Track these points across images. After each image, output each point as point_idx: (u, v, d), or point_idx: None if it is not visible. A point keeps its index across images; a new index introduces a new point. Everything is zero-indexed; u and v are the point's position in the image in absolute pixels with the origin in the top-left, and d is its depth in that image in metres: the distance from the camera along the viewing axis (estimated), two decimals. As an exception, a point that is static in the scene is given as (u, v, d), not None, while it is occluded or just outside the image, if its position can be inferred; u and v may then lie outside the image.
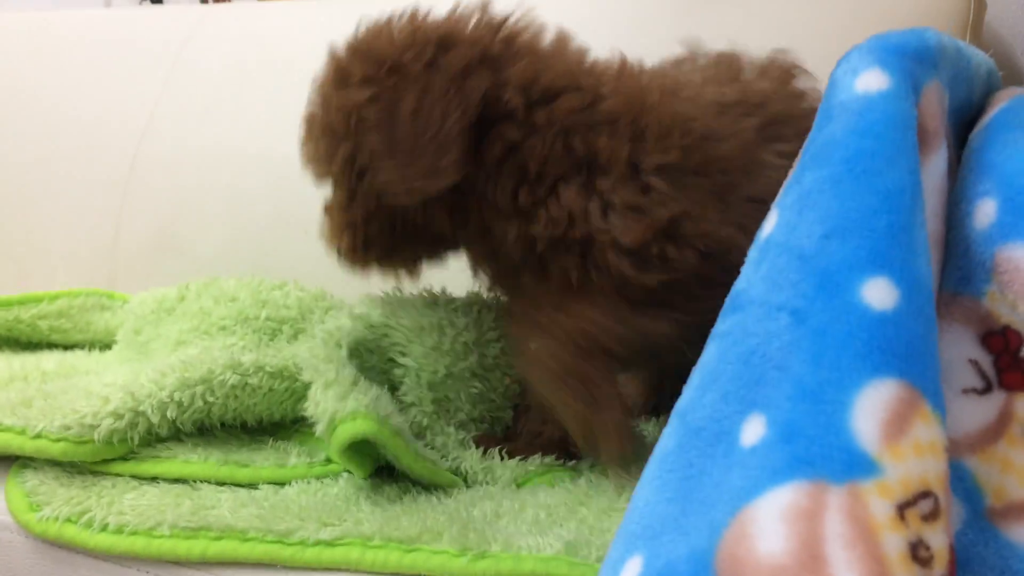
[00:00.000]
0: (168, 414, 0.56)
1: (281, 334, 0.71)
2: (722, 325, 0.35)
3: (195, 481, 0.54)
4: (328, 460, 0.57)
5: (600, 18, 1.01)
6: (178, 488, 0.53)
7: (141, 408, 0.55)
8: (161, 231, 1.16)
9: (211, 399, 0.57)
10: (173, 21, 1.29)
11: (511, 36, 0.57)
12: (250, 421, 0.60)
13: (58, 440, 0.54)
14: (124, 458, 0.55)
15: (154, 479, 0.55)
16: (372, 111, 0.54)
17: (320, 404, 0.51)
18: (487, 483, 0.56)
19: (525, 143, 0.54)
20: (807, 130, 0.43)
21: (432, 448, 0.58)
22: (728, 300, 0.36)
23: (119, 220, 1.19)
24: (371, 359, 0.58)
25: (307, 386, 0.58)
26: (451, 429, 0.58)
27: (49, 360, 0.73)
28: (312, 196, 1.05)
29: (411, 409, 0.58)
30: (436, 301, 0.62)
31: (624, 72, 0.59)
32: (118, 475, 0.55)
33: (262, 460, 0.56)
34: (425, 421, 0.58)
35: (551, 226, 0.54)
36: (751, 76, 0.61)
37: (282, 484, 0.55)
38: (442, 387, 0.59)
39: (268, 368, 0.58)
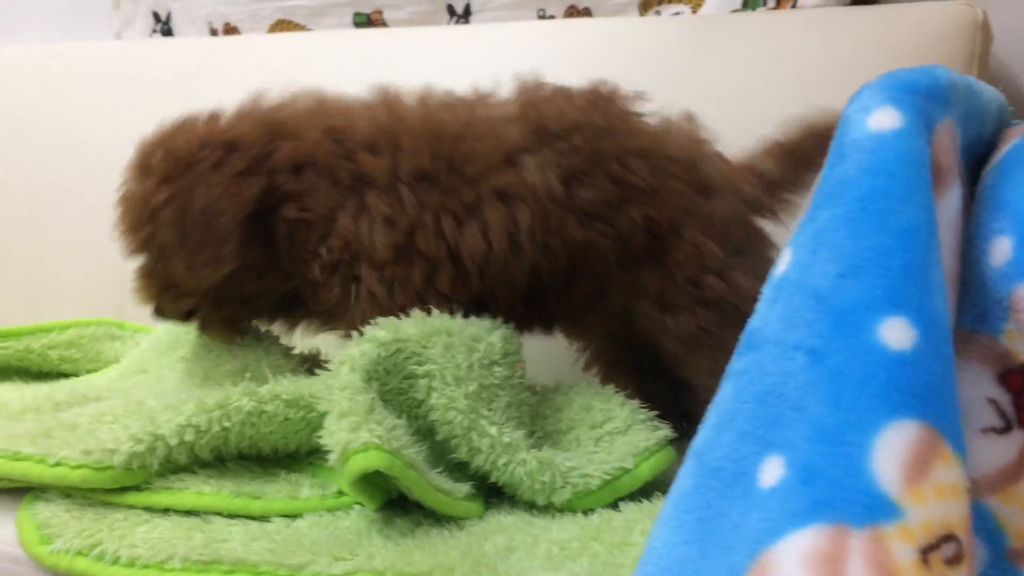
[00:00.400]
0: (186, 438, 0.56)
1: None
2: (737, 363, 0.35)
3: (207, 513, 0.54)
4: (341, 492, 0.57)
5: (612, 50, 1.02)
6: (190, 521, 0.53)
7: (160, 431, 0.55)
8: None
9: (227, 424, 0.57)
10: (183, 53, 1.31)
11: (280, 129, 0.68)
12: (265, 450, 0.60)
13: (78, 467, 0.54)
14: (137, 488, 0.55)
15: (166, 511, 0.55)
16: (167, 207, 0.64)
17: (334, 434, 0.51)
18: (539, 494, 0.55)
19: (304, 212, 0.65)
20: (594, 146, 0.62)
21: (478, 451, 0.57)
22: (743, 338, 0.36)
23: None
24: (391, 380, 0.58)
25: (322, 416, 0.58)
26: (493, 429, 0.57)
27: (60, 391, 0.73)
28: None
29: (447, 412, 0.57)
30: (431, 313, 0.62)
31: (387, 100, 0.71)
32: (130, 507, 0.55)
33: (274, 492, 0.56)
34: (464, 421, 0.57)
35: (330, 253, 0.65)
36: (550, 97, 0.70)
37: (294, 516, 0.55)
38: (469, 379, 0.58)
39: (284, 396, 0.58)
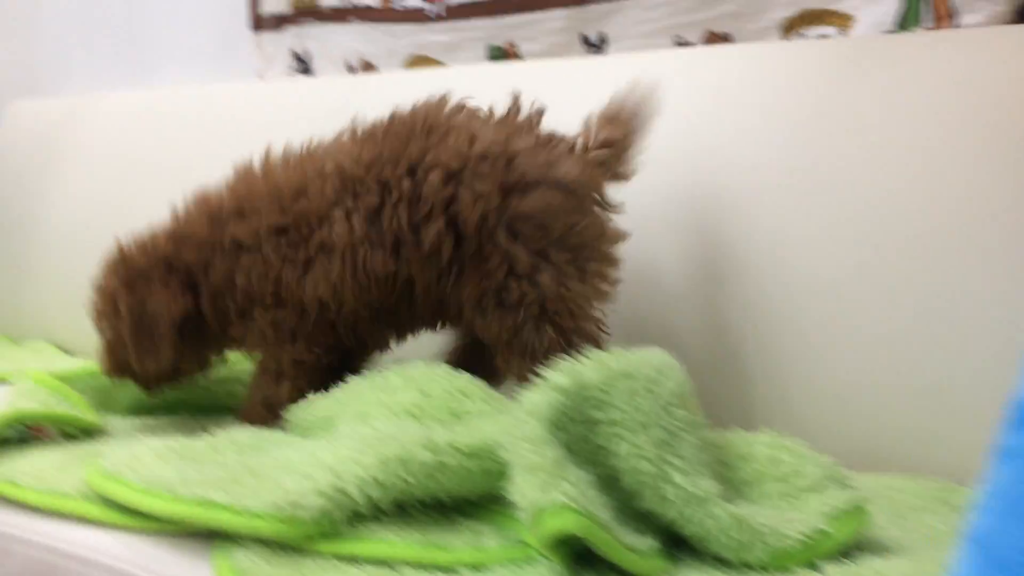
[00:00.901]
0: (370, 493, 0.57)
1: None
2: (1013, 440, 0.33)
3: (395, 563, 0.55)
4: (523, 543, 0.57)
5: (755, 78, 1.00)
6: (380, 571, 0.54)
7: (345, 487, 0.56)
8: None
9: (410, 479, 0.58)
10: (325, 92, 1.35)
11: (185, 237, 0.84)
12: (444, 499, 0.60)
13: (268, 519, 0.56)
14: (327, 536, 0.56)
15: (354, 559, 0.56)
16: (126, 308, 0.82)
17: (523, 492, 0.51)
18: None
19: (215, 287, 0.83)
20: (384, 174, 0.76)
21: (667, 502, 0.55)
22: (1018, 412, 0.33)
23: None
24: (573, 428, 0.58)
25: (502, 464, 0.59)
26: (683, 479, 0.56)
27: (239, 431, 0.76)
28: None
29: (633, 460, 0.56)
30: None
31: (239, 169, 0.88)
32: (323, 555, 0.56)
33: (459, 542, 0.56)
34: (652, 469, 0.56)
35: (236, 304, 0.84)
36: (356, 140, 0.83)
37: (480, 567, 0.55)
38: (654, 425, 0.57)
39: (463, 448, 0.59)
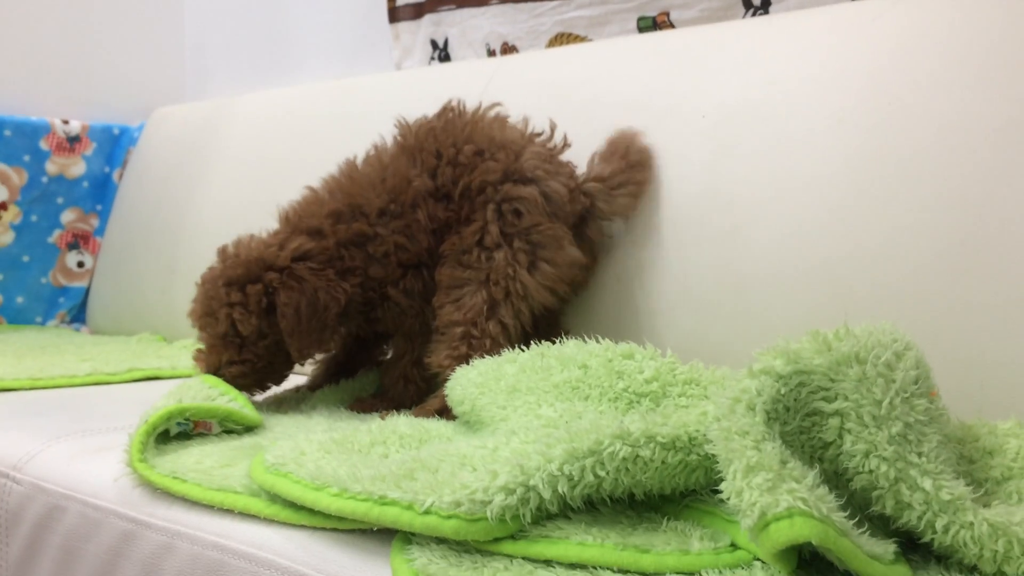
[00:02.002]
0: (559, 489, 0.51)
1: (638, 407, 0.65)
2: None
3: (592, 566, 0.49)
4: (734, 545, 0.50)
5: (959, 27, 0.89)
6: (579, 574, 0.48)
7: (531, 483, 0.51)
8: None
9: (601, 473, 0.51)
10: (466, 77, 1.30)
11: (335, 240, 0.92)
12: (638, 495, 0.54)
13: (449, 517, 0.51)
14: (513, 537, 0.51)
15: (547, 562, 0.50)
16: (288, 303, 0.87)
17: (744, 495, 0.44)
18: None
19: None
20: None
21: (908, 507, 0.48)
22: None
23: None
24: (791, 419, 0.50)
25: (702, 459, 0.52)
26: (927, 482, 0.48)
27: (402, 421, 0.72)
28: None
29: (867, 460, 0.49)
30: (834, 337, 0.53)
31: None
32: (509, 556, 0.50)
33: (662, 544, 0.49)
34: (890, 471, 0.48)
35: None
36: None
37: (688, 573, 0.48)
38: (891, 418, 0.49)
39: (660, 439, 0.52)
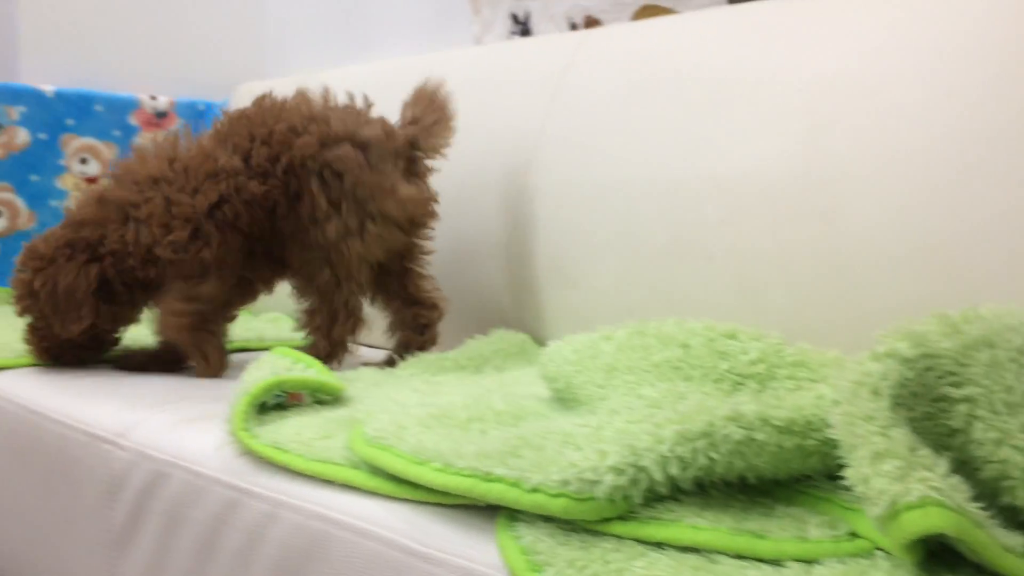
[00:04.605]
0: (670, 470, 0.50)
1: (743, 389, 0.64)
2: None
3: (707, 551, 0.48)
4: (853, 534, 0.48)
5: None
6: (693, 559, 0.47)
7: (642, 463, 0.50)
8: (552, 262, 1.15)
9: (714, 456, 0.50)
10: (549, 51, 1.29)
11: (93, 223, 1.04)
12: (750, 479, 0.53)
13: (556, 496, 0.50)
14: (622, 518, 0.50)
15: (658, 544, 0.49)
16: (40, 289, 1.01)
17: (871, 482, 0.43)
18: None
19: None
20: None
21: None
22: None
23: (508, 252, 1.20)
24: (917, 405, 0.48)
25: (819, 444, 0.50)
26: None
27: (496, 397, 0.72)
28: (713, 222, 0.99)
29: (998, 449, 0.47)
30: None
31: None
32: (619, 537, 0.50)
33: (779, 530, 0.48)
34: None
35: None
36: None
37: (806, 561, 0.47)
38: None
39: (775, 422, 0.51)
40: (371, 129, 1.03)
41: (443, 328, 1.28)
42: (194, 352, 1.05)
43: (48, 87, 1.60)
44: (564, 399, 0.73)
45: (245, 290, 1.10)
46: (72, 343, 1.06)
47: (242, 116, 1.05)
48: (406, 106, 1.10)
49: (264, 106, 1.06)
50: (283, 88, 1.76)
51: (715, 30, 1.12)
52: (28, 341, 1.07)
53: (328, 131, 1.02)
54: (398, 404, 0.81)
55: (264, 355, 0.87)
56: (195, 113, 1.80)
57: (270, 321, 1.46)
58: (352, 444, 0.64)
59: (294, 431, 0.71)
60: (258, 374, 0.79)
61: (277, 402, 0.79)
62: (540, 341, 1.14)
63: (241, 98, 1.82)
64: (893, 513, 0.42)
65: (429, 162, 1.09)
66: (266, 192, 1.02)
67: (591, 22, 1.36)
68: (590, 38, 1.25)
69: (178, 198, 1.00)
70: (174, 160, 1.03)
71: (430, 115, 1.08)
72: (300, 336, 1.16)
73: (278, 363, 0.85)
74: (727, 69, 1.06)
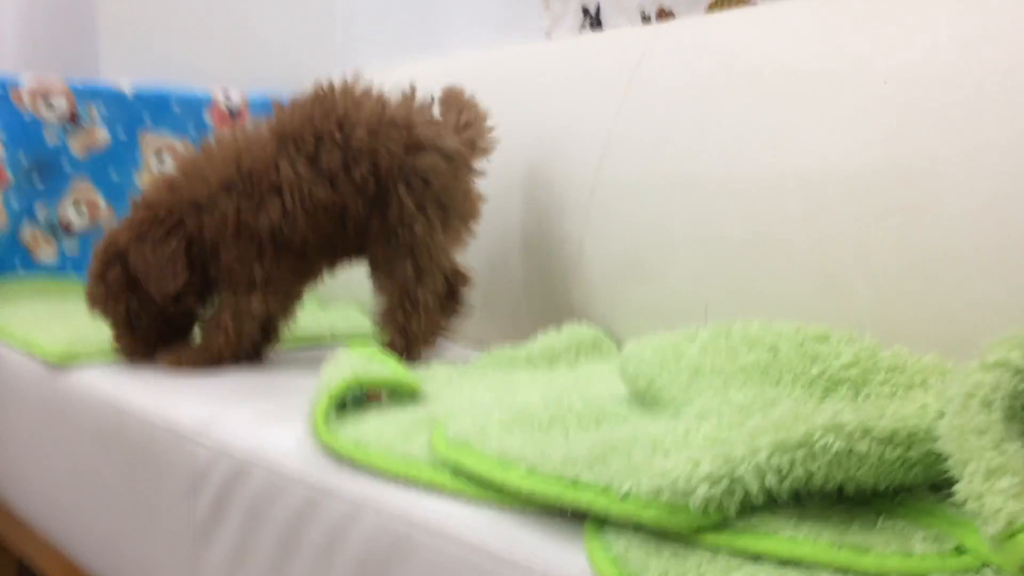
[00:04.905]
0: (766, 481, 0.49)
1: (835, 395, 0.62)
2: None
3: (808, 564, 0.46)
4: (959, 549, 0.46)
5: None
6: (792, 573, 0.46)
7: (737, 473, 0.49)
8: (625, 257, 1.13)
9: (812, 467, 0.49)
10: (622, 44, 1.27)
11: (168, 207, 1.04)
12: (848, 490, 0.51)
13: (648, 505, 0.49)
14: (716, 529, 0.49)
15: (755, 557, 0.48)
16: (135, 258, 1.02)
17: (986, 499, 0.41)
18: None
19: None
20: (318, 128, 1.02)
21: None
22: None
23: (581, 246, 1.19)
24: (1030, 419, 0.46)
25: (923, 455, 0.48)
26: None
27: (574, 396, 0.71)
28: (794, 217, 0.96)
29: None
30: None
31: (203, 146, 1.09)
32: (713, 548, 0.49)
33: (882, 544, 0.47)
34: None
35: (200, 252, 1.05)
36: (286, 108, 1.07)
37: (912, 577, 0.45)
38: None
39: (877, 433, 0.49)
40: (453, 141, 1.05)
41: (515, 322, 1.27)
42: (207, 353, 1.06)
43: (127, 87, 1.64)
44: (645, 400, 0.71)
45: (304, 282, 1.11)
46: (162, 322, 1.06)
47: (305, 114, 1.03)
48: (446, 111, 1.12)
49: (326, 103, 1.03)
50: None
51: (794, 22, 1.09)
52: (118, 339, 1.08)
53: (413, 138, 1.02)
54: (476, 404, 0.81)
55: (341, 352, 0.88)
56: (267, 109, 1.82)
57: (340, 313, 1.47)
58: (434, 445, 0.64)
59: (375, 431, 0.71)
60: (337, 372, 0.79)
61: (355, 400, 0.80)
62: (613, 336, 1.13)
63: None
64: (1009, 533, 0.40)
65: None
66: (335, 200, 1.02)
67: (664, 14, 1.34)
68: (664, 31, 1.23)
69: (245, 216, 1.01)
70: (240, 161, 1.02)
71: (475, 120, 1.11)
72: (372, 330, 1.17)
73: (356, 360, 0.86)
74: (808, 61, 1.03)
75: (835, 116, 0.97)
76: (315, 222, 1.02)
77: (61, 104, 1.57)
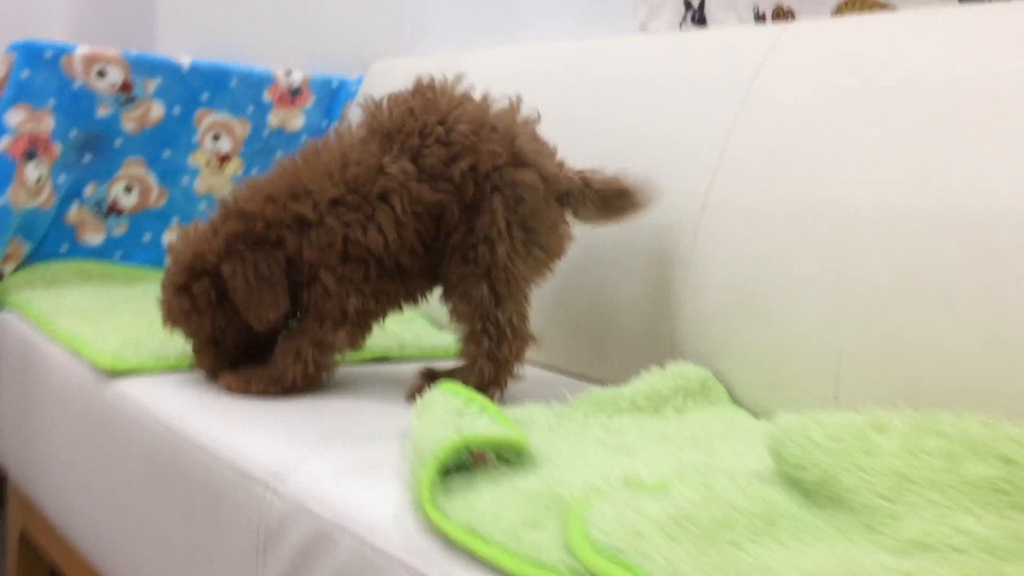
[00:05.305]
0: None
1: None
2: None
3: None
4: None
5: None
6: None
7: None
8: (739, 289, 1.01)
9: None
10: (737, 46, 1.14)
11: (266, 222, 0.92)
12: None
13: None
14: None
15: None
16: (236, 275, 0.90)
17: None
18: None
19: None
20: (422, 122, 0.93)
21: None
22: None
23: (686, 272, 1.07)
24: None
25: None
26: None
27: (721, 481, 0.59)
28: (954, 262, 0.84)
29: None
30: None
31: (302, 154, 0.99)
32: None
33: None
34: None
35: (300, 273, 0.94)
36: (384, 104, 0.97)
37: None
38: None
39: None
40: (551, 163, 0.96)
41: (601, 349, 1.16)
42: (279, 384, 0.94)
43: (184, 60, 1.53)
44: (814, 495, 0.60)
45: (393, 310, 1.01)
46: (248, 337, 0.95)
47: (407, 109, 0.94)
48: (605, 175, 1.00)
49: (431, 99, 0.95)
50: (421, 68, 1.66)
51: (951, 32, 0.96)
52: (200, 356, 0.97)
53: (516, 148, 0.93)
54: (593, 466, 0.70)
55: (434, 396, 0.77)
56: (329, 91, 1.71)
57: (404, 322, 1.36)
58: (575, 548, 0.53)
59: (490, 510, 0.60)
60: (438, 427, 0.68)
61: (459, 464, 0.69)
62: (721, 378, 1.01)
63: (376, 76, 1.73)
64: None
65: None
66: (438, 199, 0.92)
67: (782, 13, 1.21)
68: (789, 34, 1.10)
69: (354, 234, 0.91)
70: (345, 168, 0.92)
71: (602, 184, 0.98)
72: (439, 342, 1.14)
73: (451, 406, 0.75)
74: (972, 80, 0.90)
75: (1008, 147, 0.84)
76: (419, 231, 0.93)
77: (116, 75, 1.46)
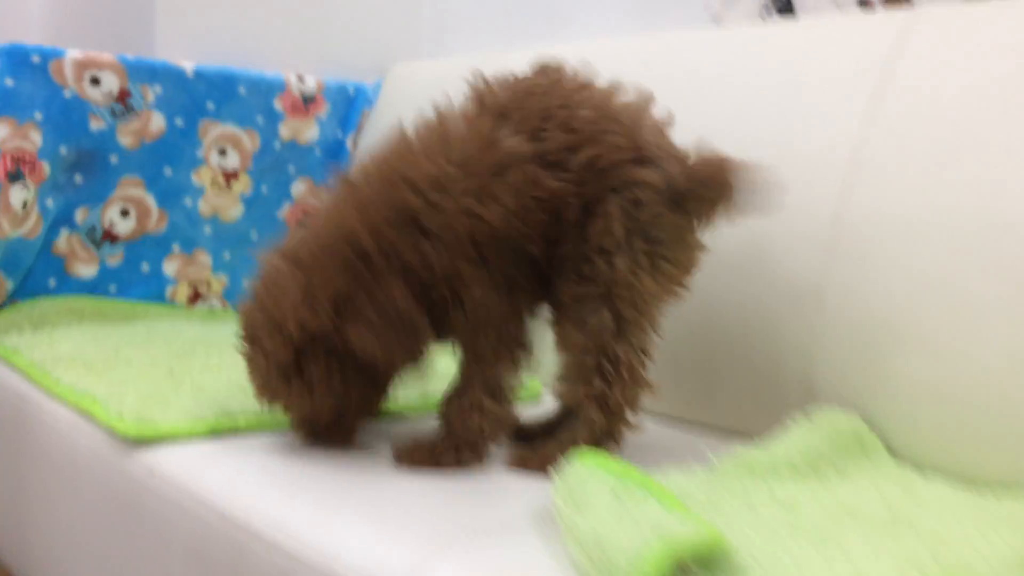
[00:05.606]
0: None
1: None
2: None
3: None
4: None
5: None
6: None
7: None
8: (890, 318, 0.85)
9: None
10: (853, 35, 0.99)
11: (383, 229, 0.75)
12: None
13: None
14: None
15: None
16: (368, 306, 0.73)
17: None
18: None
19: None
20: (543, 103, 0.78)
21: None
22: None
23: (820, 297, 0.91)
24: None
25: None
26: None
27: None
28: None
29: None
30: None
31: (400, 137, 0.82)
32: None
33: None
34: None
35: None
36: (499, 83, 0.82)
37: None
38: None
39: None
40: (676, 164, 0.79)
41: (707, 390, 1.00)
42: (456, 455, 0.78)
43: (188, 65, 1.34)
44: None
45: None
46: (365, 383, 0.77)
47: (529, 89, 0.80)
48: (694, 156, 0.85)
49: (557, 80, 0.81)
50: (449, 71, 1.48)
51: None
52: (309, 428, 0.80)
53: (640, 143, 0.79)
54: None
55: (573, 469, 0.61)
56: (345, 98, 1.53)
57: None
58: None
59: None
60: (618, 530, 0.51)
61: None
62: (872, 424, 0.85)
63: (397, 81, 1.55)
64: None
65: None
66: (558, 188, 0.77)
67: (867, 2, 1.05)
68: (923, 20, 0.94)
69: (472, 205, 0.75)
70: (448, 145, 0.77)
71: (712, 179, 0.82)
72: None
73: (604, 485, 0.58)
74: None
75: None
76: (540, 223, 0.78)
77: (111, 82, 1.27)
